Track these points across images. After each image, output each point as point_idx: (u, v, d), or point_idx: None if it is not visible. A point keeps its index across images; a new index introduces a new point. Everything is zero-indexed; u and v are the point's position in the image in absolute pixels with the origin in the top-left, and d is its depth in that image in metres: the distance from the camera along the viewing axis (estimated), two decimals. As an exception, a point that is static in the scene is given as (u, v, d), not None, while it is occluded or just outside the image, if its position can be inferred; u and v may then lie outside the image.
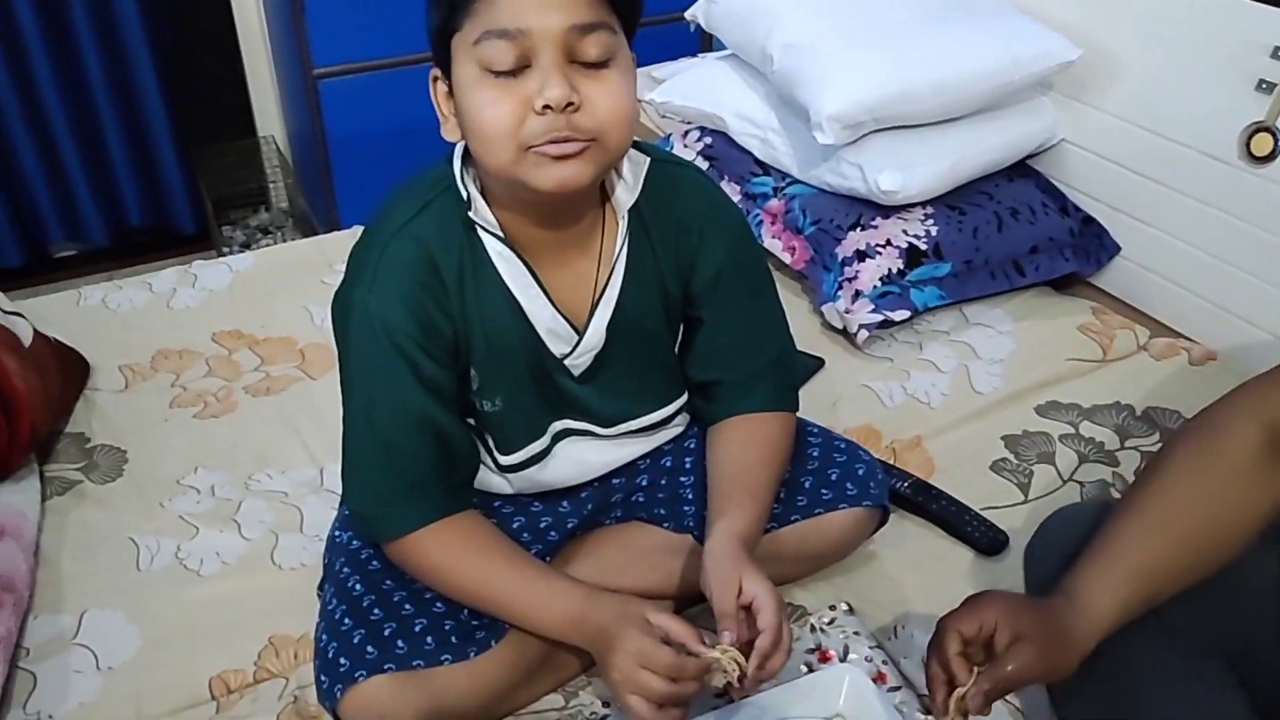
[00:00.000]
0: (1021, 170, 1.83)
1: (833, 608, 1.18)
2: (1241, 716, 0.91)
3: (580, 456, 1.17)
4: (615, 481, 1.22)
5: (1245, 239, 1.58)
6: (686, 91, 2.00)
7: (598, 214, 1.06)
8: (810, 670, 1.10)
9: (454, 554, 1.04)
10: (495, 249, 1.02)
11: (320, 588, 1.17)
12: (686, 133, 2.01)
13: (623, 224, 1.06)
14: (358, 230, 1.93)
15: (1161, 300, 1.72)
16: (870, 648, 1.13)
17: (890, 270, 1.64)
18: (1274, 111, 1.52)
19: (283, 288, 1.78)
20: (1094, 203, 1.78)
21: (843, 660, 1.12)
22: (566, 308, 1.06)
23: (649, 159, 1.07)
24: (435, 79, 0.99)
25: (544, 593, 1.03)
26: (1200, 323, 1.67)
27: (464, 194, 1.00)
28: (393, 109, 2.52)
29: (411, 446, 1.03)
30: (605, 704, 1.09)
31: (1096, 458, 1.43)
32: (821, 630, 1.15)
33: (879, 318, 1.62)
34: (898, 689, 1.09)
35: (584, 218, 1.05)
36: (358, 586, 1.08)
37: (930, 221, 1.69)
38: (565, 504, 1.20)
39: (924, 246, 1.66)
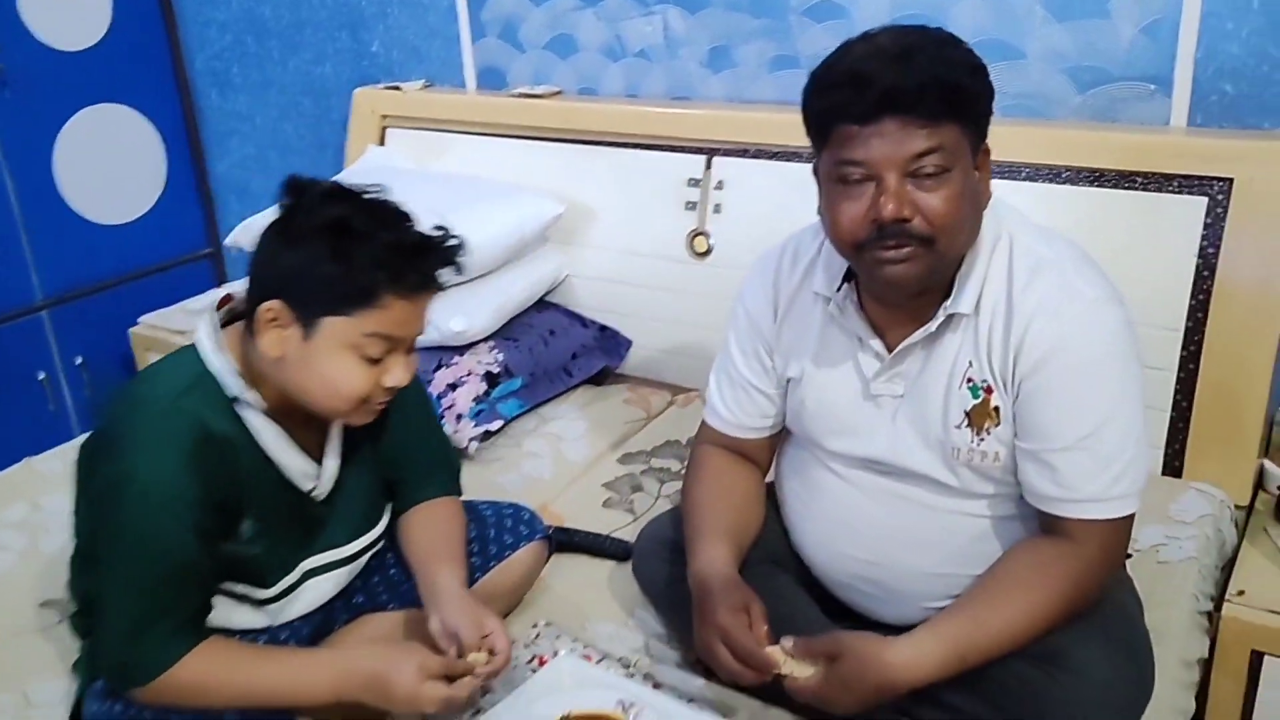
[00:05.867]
0: (548, 302, 2.36)
1: (535, 626, 1.51)
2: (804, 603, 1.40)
3: (320, 588, 1.40)
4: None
5: (708, 313, 2.19)
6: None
7: None
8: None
9: (214, 669, 1.20)
10: (257, 422, 1.25)
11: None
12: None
13: None
14: (28, 461, 2.04)
15: (672, 369, 2.31)
16: (572, 642, 1.48)
17: (478, 393, 2.05)
18: (699, 219, 2.20)
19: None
20: (606, 313, 2.35)
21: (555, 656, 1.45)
22: (310, 451, 1.31)
23: None
24: (274, 315, 1.19)
25: (306, 665, 1.25)
26: (699, 376, 2.25)
27: (227, 382, 1.22)
28: None
29: (179, 595, 1.20)
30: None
31: (668, 478, 1.92)
32: (535, 644, 1.48)
33: (480, 430, 2.01)
34: (601, 660, 1.45)
35: None
36: None
37: (496, 351, 2.13)
38: (301, 625, 1.41)
39: (497, 370, 2.10)
